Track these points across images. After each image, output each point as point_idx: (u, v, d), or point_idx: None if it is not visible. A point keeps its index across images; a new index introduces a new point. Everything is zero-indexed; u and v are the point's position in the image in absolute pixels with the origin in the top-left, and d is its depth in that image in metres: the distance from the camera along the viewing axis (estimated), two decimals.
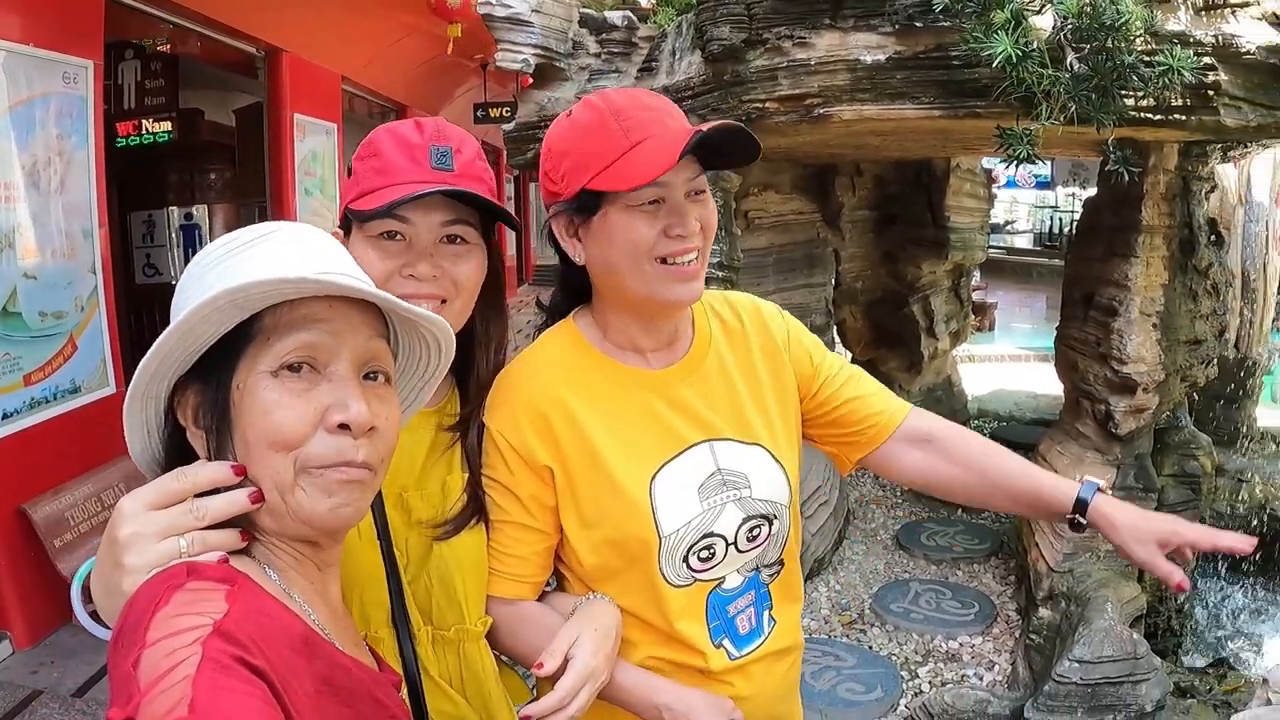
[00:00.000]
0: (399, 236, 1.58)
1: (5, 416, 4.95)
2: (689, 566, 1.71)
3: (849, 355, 8.63)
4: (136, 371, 1.14)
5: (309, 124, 8.55)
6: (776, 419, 1.86)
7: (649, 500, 1.68)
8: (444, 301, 1.61)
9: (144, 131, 8.48)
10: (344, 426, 1.15)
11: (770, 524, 1.79)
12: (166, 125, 8.49)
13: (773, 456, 1.81)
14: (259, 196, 8.58)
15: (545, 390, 1.71)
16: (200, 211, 9.72)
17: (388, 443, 1.24)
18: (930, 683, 4.64)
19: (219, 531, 1.11)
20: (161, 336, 1.11)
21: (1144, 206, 4.70)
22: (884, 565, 6.03)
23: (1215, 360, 5.50)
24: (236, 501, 1.12)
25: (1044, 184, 24.75)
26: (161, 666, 0.89)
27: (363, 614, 1.60)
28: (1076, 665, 3.88)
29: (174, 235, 9.43)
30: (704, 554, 1.72)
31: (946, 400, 9.02)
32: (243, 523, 1.15)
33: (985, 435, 6.94)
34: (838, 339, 7.99)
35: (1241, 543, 1.70)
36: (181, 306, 1.14)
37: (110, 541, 1.09)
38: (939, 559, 6.05)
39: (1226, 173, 7.04)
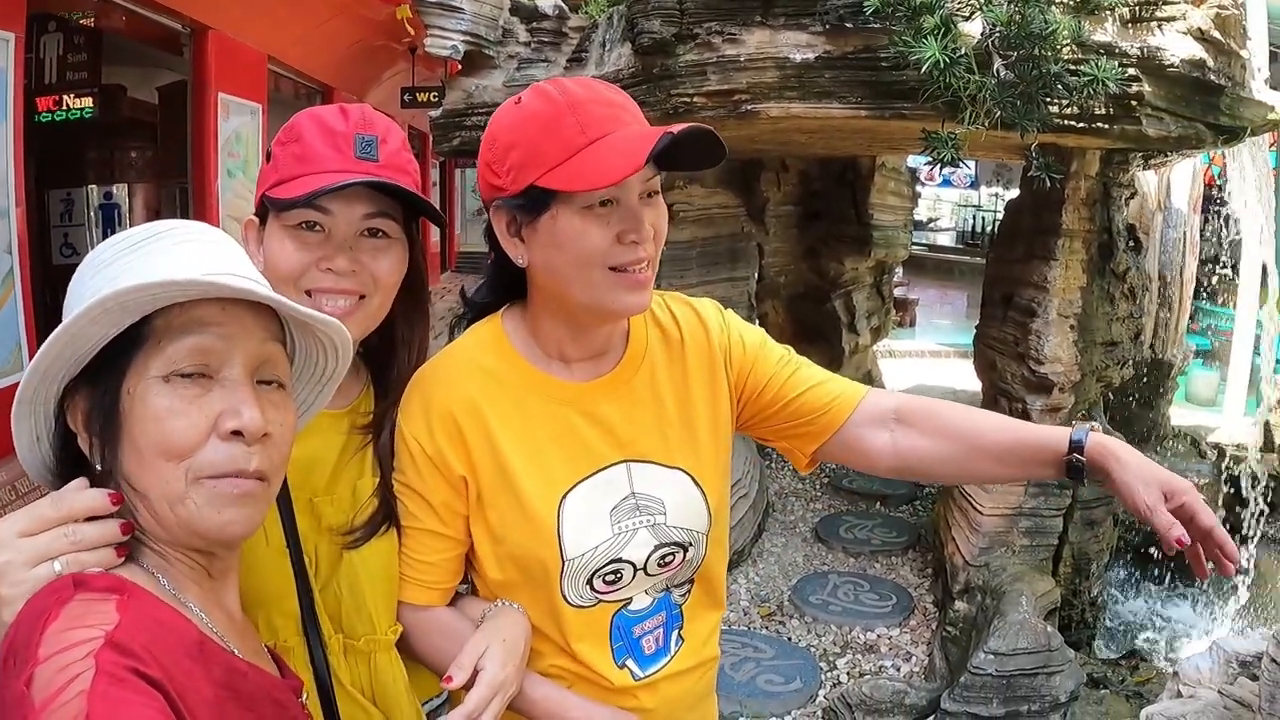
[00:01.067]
0: (318, 227, 1.52)
1: None
2: (593, 588, 1.65)
3: None
4: (24, 376, 1.11)
5: (233, 103, 8.40)
6: (706, 440, 1.75)
7: (555, 522, 1.61)
8: (362, 297, 1.56)
9: (65, 107, 8.22)
10: (237, 433, 1.12)
11: (685, 551, 1.71)
12: (88, 101, 8.24)
13: (694, 481, 1.72)
14: (180, 177, 8.41)
15: (460, 396, 1.63)
16: (120, 190, 9.49)
17: (282, 450, 1.21)
18: (849, 674, 4.72)
19: (94, 552, 1.08)
20: (48, 340, 1.08)
21: (1065, 211, 4.81)
22: (803, 558, 6.09)
23: (1131, 361, 5.64)
24: (109, 533, 1.09)
25: (972, 184, 25.10)
26: (55, 683, 0.87)
27: (270, 623, 1.55)
28: (992, 657, 3.97)
29: (93, 215, 9.20)
30: (610, 577, 1.65)
31: None
32: (128, 529, 1.12)
33: None
34: None
35: (1230, 561, 1.49)
36: (71, 308, 1.11)
37: None
38: (857, 551, 6.13)
39: (1147, 179, 7.25)
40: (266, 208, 1.55)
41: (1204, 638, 5.74)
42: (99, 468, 1.13)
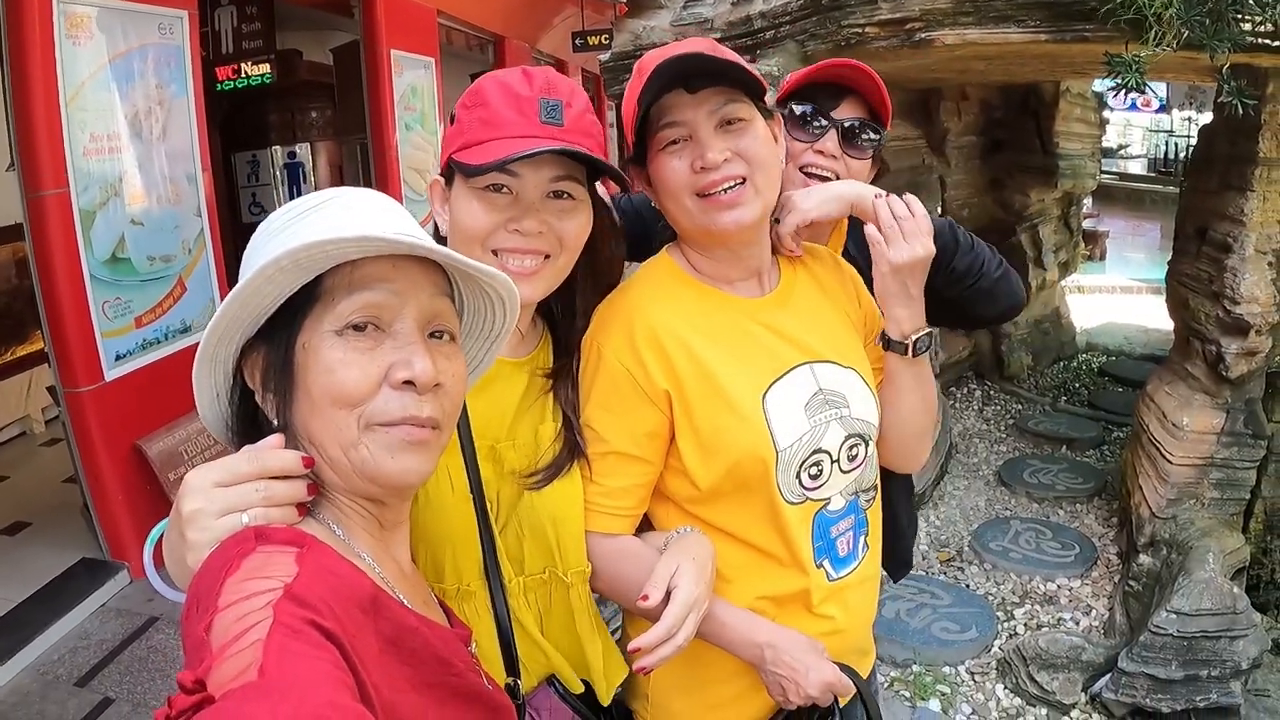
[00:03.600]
0: (505, 190, 1.55)
1: (118, 358, 5.12)
2: (801, 484, 1.72)
3: None
4: (203, 336, 1.15)
5: (406, 59, 8.55)
6: (861, 349, 1.89)
7: (763, 416, 1.69)
8: (547, 257, 1.59)
9: (243, 75, 8.57)
10: (408, 384, 1.15)
11: (866, 444, 1.82)
12: (265, 68, 8.56)
13: (864, 380, 1.83)
14: (360, 133, 8.63)
15: (656, 315, 1.72)
16: (303, 150, 9.91)
17: (453, 400, 1.23)
18: (1026, 625, 4.61)
19: (280, 509, 1.12)
20: (225, 301, 1.12)
21: (1261, 138, 4.46)
22: (985, 502, 5.97)
23: None
24: (296, 492, 1.13)
25: (1162, 107, 23.69)
26: (233, 630, 0.89)
27: (455, 567, 1.61)
28: (1174, 617, 3.80)
29: (278, 174, 9.63)
30: (813, 470, 1.73)
31: (1054, 333, 8.82)
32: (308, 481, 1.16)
33: (1094, 370, 6.75)
34: None
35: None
36: (246, 273, 1.14)
37: (176, 514, 1.11)
38: (1041, 497, 5.96)
39: None
40: (452, 169, 1.59)
41: None
42: (275, 423, 1.18)
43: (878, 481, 1.92)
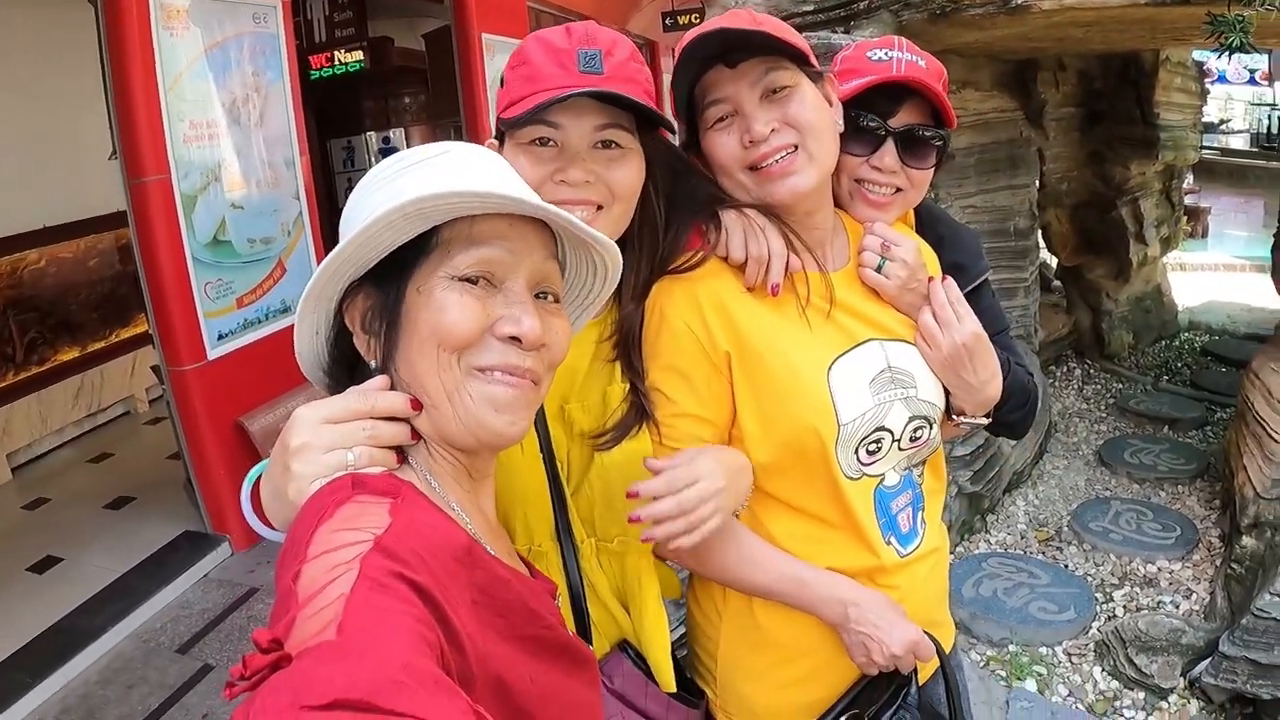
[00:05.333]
0: (551, 142, 1.54)
1: (220, 337, 5.26)
2: (859, 459, 1.71)
3: (1054, 263, 8.32)
4: (314, 274, 1.16)
5: (497, 43, 8.60)
6: None
7: (827, 389, 1.67)
8: (600, 208, 1.57)
9: (336, 62, 8.73)
10: (514, 339, 1.16)
11: (930, 426, 1.79)
12: (358, 55, 8.71)
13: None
14: (453, 116, 8.72)
15: (722, 282, 1.70)
16: (397, 135, 10.07)
17: (556, 358, 1.24)
18: (1125, 607, 4.52)
19: (384, 451, 1.13)
20: (342, 241, 1.13)
21: None
22: (1084, 481, 5.88)
23: None
24: (401, 434, 1.15)
25: (1253, 79, 22.85)
26: (319, 582, 0.89)
27: (527, 527, 1.63)
28: (1278, 600, 3.69)
29: (373, 159, 9.74)
30: (871, 447, 1.71)
31: (1156, 311, 8.61)
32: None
33: (1196, 349, 6.63)
34: (1042, 243, 7.66)
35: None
36: (352, 220, 1.16)
37: (282, 447, 1.11)
38: (1142, 478, 5.85)
39: None
40: (502, 131, 1.60)
41: None
42: (374, 364, 1.19)
43: (934, 459, 1.90)
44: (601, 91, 1.49)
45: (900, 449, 1.75)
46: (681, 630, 1.98)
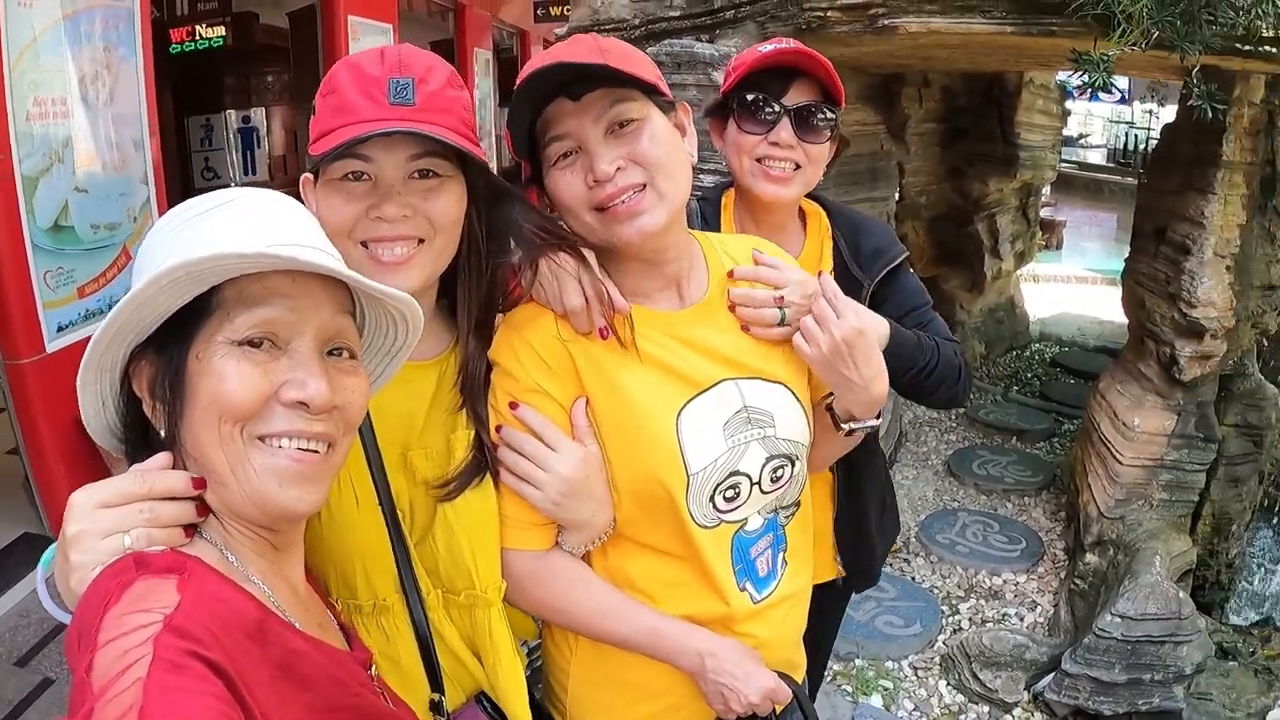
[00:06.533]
0: (364, 176, 1.46)
1: (60, 329, 4.97)
2: (715, 507, 1.66)
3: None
4: (90, 342, 1.11)
5: (363, 25, 8.40)
6: (794, 360, 1.77)
7: (675, 437, 1.61)
8: (421, 241, 1.49)
9: (198, 37, 8.44)
10: (301, 404, 1.12)
11: (793, 465, 1.74)
12: (220, 30, 8.45)
13: (795, 396, 1.75)
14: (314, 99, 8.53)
15: (564, 325, 1.63)
16: (257, 114, 9.80)
17: (352, 417, 1.21)
18: (971, 619, 4.63)
19: (165, 530, 1.09)
20: (117, 306, 1.07)
21: (1226, 141, 4.45)
22: (933, 492, 5.99)
23: None
24: (185, 513, 1.11)
25: (1124, 99, 23.97)
26: (114, 669, 0.87)
27: (369, 582, 1.55)
28: (1118, 620, 3.82)
29: (232, 138, 9.51)
30: (729, 494, 1.67)
31: (1008, 321, 8.89)
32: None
33: (1046, 361, 6.85)
34: None
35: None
36: (141, 271, 1.11)
37: (61, 536, 1.08)
38: (989, 489, 5.99)
39: None
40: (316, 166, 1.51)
41: None
42: (162, 433, 1.15)
43: (803, 499, 1.85)
44: (408, 131, 1.42)
45: (762, 491, 1.71)
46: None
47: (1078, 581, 4.56)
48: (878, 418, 1.81)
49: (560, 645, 1.81)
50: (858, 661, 4.21)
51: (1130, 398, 4.97)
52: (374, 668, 1.33)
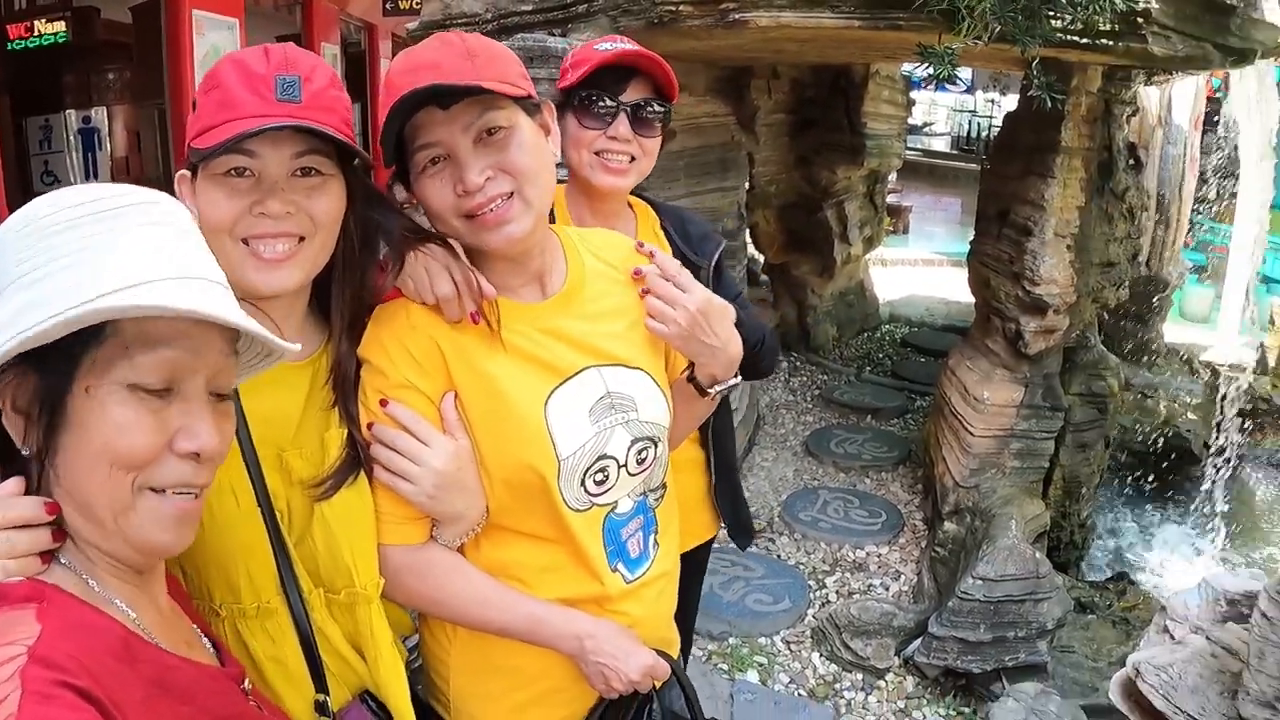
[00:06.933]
0: (247, 173, 1.45)
1: None
2: (586, 490, 1.71)
3: (761, 259, 8.65)
4: None
5: (208, 19, 8.14)
6: (649, 346, 1.84)
7: (545, 423, 1.65)
8: (302, 239, 1.50)
9: (37, 33, 8.01)
10: (194, 454, 1.11)
11: (656, 446, 1.81)
12: (60, 25, 8.02)
13: (653, 380, 1.81)
14: (158, 98, 8.25)
15: (432, 321, 1.65)
16: (99, 114, 9.35)
17: (223, 459, 1.20)
18: (838, 592, 4.75)
19: (19, 560, 1.05)
20: (13, 334, 1.02)
21: (1064, 128, 4.69)
22: (793, 472, 6.12)
23: (1127, 282, 5.60)
24: (39, 540, 1.07)
25: (968, 89, 24.83)
26: None
27: (251, 583, 1.54)
28: (979, 583, 3.99)
29: (72, 139, 9.06)
30: (599, 477, 1.71)
31: (859, 305, 9.13)
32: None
33: (897, 341, 7.10)
34: (750, 243, 7.98)
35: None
36: (24, 261, 1.05)
37: None
38: (848, 466, 6.16)
39: (1148, 95, 7.15)
40: (195, 162, 1.49)
41: (1192, 559, 5.80)
42: (24, 451, 1.09)
43: (667, 479, 1.92)
44: (299, 126, 1.43)
45: (630, 474, 1.77)
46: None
47: (938, 549, 4.74)
48: (737, 376, 1.92)
49: (439, 637, 1.82)
50: (731, 640, 4.28)
51: (979, 372, 5.19)
52: (246, 681, 1.32)
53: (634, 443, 1.75)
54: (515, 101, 1.59)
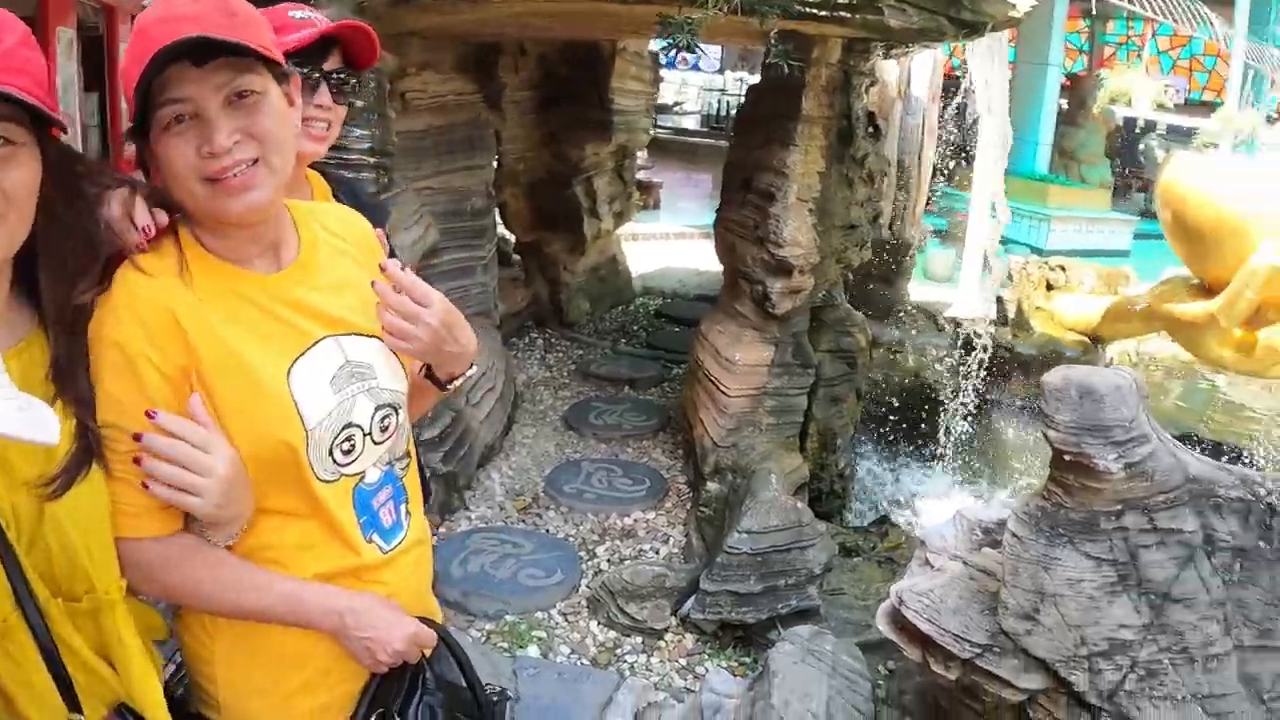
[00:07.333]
0: None
1: None
2: (334, 460, 1.69)
3: (513, 239, 8.63)
4: None
5: None
6: None
7: (289, 395, 1.62)
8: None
9: None
10: None
11: (397, 414, 1.81)
12: None
13: (389, 348, 1.80)
14: None
15: (169, 293, 1.57)
16: None
17: None
18: (609, 561, 4.80)
19: None
20: None
21: (805, 97, 4.86)
22: (555, 447, 6.14)
23: (869, 243, 5.90)
24: None
25: (719, 69, 25.57)
26: None
27: None
28: (745, 536, 4.11)
29: None
30: (345, 446, 1.70)
31: (611, 279, 9.23)
32: None
33: (651, 313, 7.23)
34: (500, 222, 7.92)
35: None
36: None
37: None
38: (609, 437, 6.23)
39: (887, 68, 7.57)
40: None
41: (946, 498, 6.17)
42: None
43: (410, 449, 1.94)
44: None
45: (375, 442, 1.76)
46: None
47: (703, 509, 4.84)
48: (473, 365, 1.94)
49: (199, 635, 1.72)
50: (508, 617, 4.26)
51: (730, 335, 5.34)
52: None
53: (377, 410, 1.75)
54: (268, 68, 1.55)
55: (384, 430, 1.77)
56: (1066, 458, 2.32)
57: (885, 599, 2.62)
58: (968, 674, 2.36)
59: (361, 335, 1.75)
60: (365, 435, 1.72)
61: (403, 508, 1.84)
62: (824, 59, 4.85)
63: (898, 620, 2.49)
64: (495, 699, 1.99)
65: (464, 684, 1.90)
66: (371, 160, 4.20)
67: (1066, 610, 2.26)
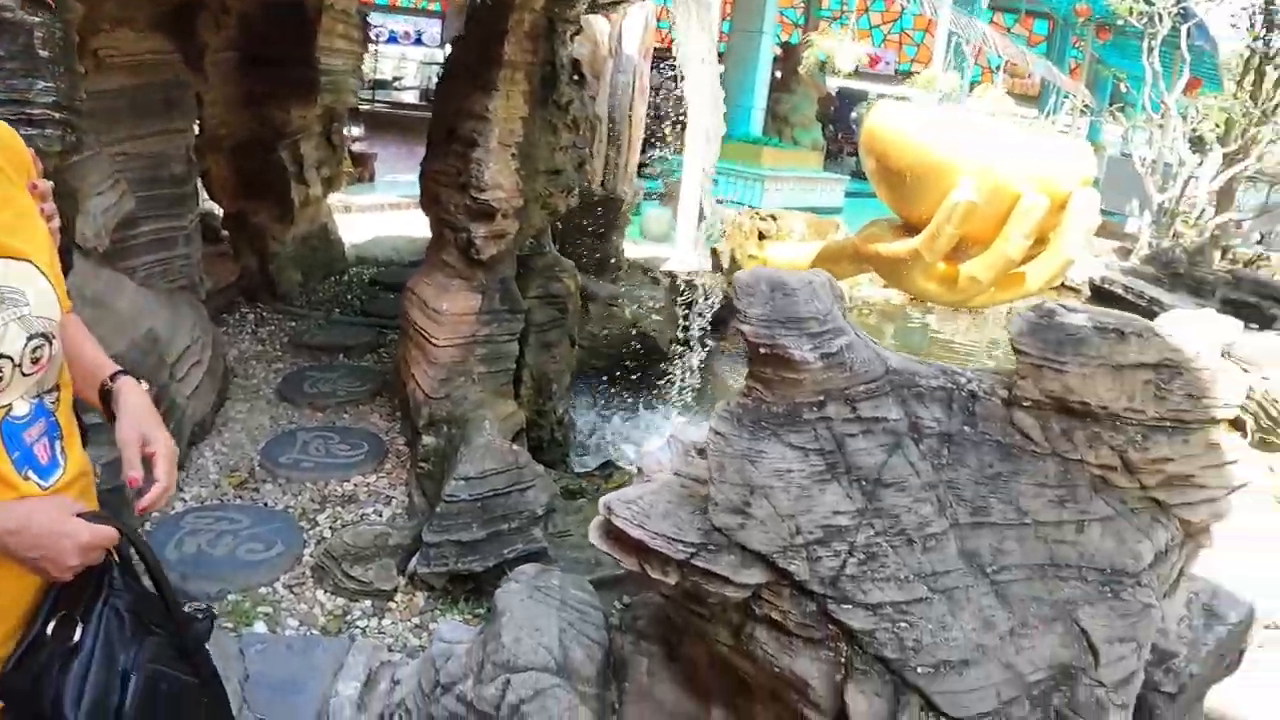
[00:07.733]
0: None
1: None
2: None
3: (221, 214, 8.24)
4: None
5: None
6: (39, 237, 1.75)
7: None
8: None
9: None
10: None
11: (50, 344, 1.71)
12: None
13: (41, 273, 1.70)
14: None
15: None
16: None
17: None
18: (331, 528, 4.65)
19: None
20: None
21: (507, 42, 4.83)
22: (269, 420, 5.91)
23: (575, 189, 5.92)
24: None
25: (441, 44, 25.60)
26: None
27: None
28: (462, 483, 4.06)
29: None
30: None
31: (324, 250, 8.97)
32: None
33: (366, 281, 7.10)
34: (203, 190, 7.49)
35: (146, 506, 1.80)
36: None
37: None
38: (324, 405, 6.06)
39: (600, 27, 7.72)
40: None
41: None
42: None
43: (63, 381, 1.83)
44: None
45: (24, 374, 1.66)
46: None
47: (421, 465, 4.77)
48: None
49: None
50: (231, 596, 4.06)
51: (436, 286, 5.28)
52: None
53: (29, 340, 1.65)
54: None
55: (35, 361, 1.67)
56: (762, 350, 2.35)
57: None
58: (687, 576, 2.35)
59: (13, 259, 1.64)
60: (15, 366, 1.62)
61: (58, 444, 1.75)
62: (528, 5, 4.83)
63: (610, 531, 2.46)
64: (199, 616, 1.95)
65: (151, 584, 1.86)
66: (57, 116, 3.83)
67: (777, 501, 2.28)
